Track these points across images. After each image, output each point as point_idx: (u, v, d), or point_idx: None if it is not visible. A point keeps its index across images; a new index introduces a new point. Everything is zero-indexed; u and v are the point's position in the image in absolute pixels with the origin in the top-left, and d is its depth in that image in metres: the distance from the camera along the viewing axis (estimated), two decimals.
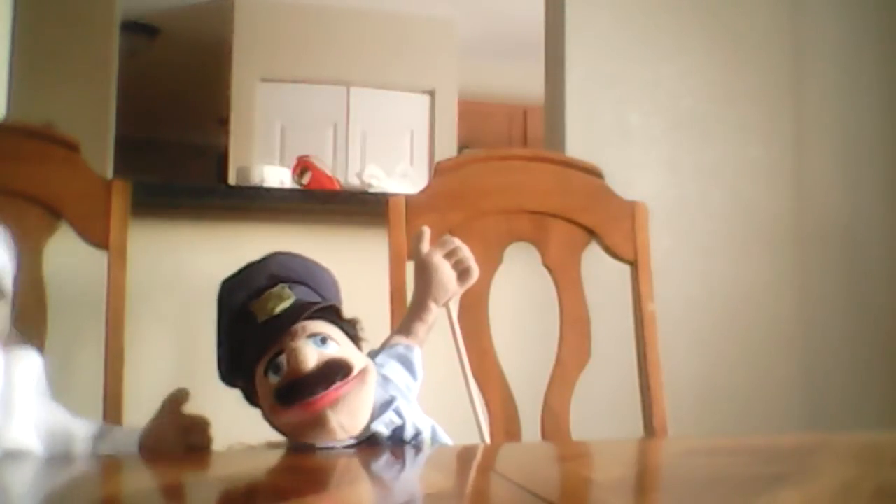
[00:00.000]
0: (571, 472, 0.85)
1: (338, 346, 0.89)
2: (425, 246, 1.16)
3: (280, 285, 0.92)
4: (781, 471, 0.78)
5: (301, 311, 0.89)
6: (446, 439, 1.00)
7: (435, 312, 1.13)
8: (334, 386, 0.85)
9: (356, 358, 0.90)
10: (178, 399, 0.92)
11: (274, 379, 0.86)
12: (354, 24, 4.53)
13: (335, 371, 0.86)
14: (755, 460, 0.85)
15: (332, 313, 0.92)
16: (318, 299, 0.94)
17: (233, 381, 0.93)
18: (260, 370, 0.88)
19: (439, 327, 1.16)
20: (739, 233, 2.15)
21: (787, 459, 0.86)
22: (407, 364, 1.06)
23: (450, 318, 1.17)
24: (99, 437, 0.95)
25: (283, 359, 0.86)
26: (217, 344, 0.94)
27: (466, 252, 1.15)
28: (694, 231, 2.12)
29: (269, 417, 0.89)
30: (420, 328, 1.12)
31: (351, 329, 0.94)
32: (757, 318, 2.13)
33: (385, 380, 1.00)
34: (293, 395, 0.85)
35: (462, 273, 1.15)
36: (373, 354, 1.07)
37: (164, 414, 0.92)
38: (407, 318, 1.13)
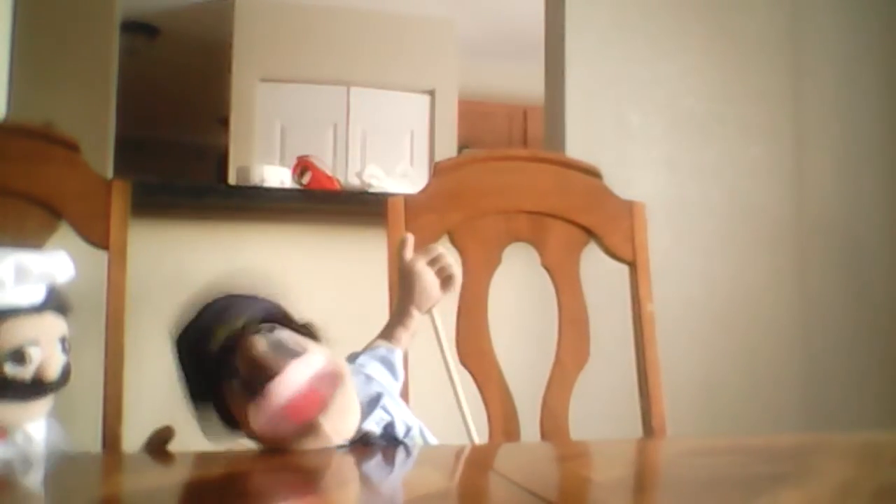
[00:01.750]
0: (571, 471, 0.85)
1: (289, 333, 0.88)
2: (408, 253, 1.17)
3: (231, 319, 0.89)
4: (781, 471, 0.78)
5: (251, 326, 0.88)
6: (433, 440, 1.00)
7: (418, 319, 1.14)
8: (293, 361, 0.84)
9: (313, 346, 0.89)
10: (164, 437, 0.91)
11: (236, 382, 0.85)
12: (354, 24, 4.53)
13: (287, 345, 0.86)
14: (755, 460, 0.85)
15: (284, 321, 0.91)
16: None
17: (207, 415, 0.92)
18: (227, 388, 0.87)
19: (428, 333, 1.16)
20: (739, 233, 2.15)
21: (787, 459, 0.86)
22: (388, 365, 1.07)
23: (434, 324, 1.18)
24: None
25: (236, 357, 0.85)
26: (192, 404, 0.92)
27: (450, 259, 1.15)
28: (694, 231, 2.12)
29: (253, 427, 0.87)
30: (403, 334, 1.12)
31: (307, 331, 0.92)
32: (757, 317, 2.14)
33: (368, 378, 1.00)
34: (258, 379, 0.83)
35: (445, 280, 1.15)
36: (354, 357, 1.07)
37: (151, 451, 0.92)
38: (390, 323, 1.14)
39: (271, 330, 0.88)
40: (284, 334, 0.88)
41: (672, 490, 0.74)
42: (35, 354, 0.88)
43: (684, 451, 0.96)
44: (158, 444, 0.92)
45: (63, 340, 0.92)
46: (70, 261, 0.94)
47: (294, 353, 0.86)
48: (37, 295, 0.91)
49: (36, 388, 0.89)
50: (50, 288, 0.93)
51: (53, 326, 0.91)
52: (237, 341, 0.87)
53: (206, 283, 0.96)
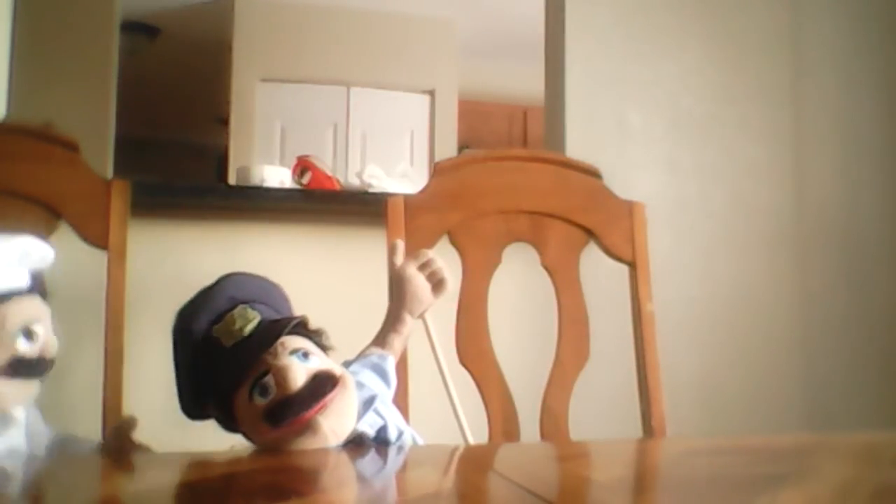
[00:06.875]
0: (570, 471, 0.85)
1: (318, 358, 0.88)
2: (399, 259, 1.17)
3: (241, 306, 0.90)
4: (781, 471, 0.78)
5: (272, 329, 0.87)
6: None
7: (410, 324, 1.14)
8: (324, 399, 0.85)
9: (335, 367, 0.90)
10: (125, 427, 0.92)
11: (261, 401, 0.85)
12: (354, 24, 4.53)
13: (324, 384, 0.86)
14: (755, 460, 0.85)
15: (299, 327, 0.91)
16: (278, 316, 0.92)
17: (200, 412, 0.92)
18: (242, 394, 0.86)
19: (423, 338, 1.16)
20: (739, 233, 2.15)
21: (787, 459, 0.86)
22: (380, 372, 1.06)
23: (426, 329, 1.18)
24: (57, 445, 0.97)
25: (269, 380, 0.84)
26: (177, 376, 0.92)
27: (440, 263, 1.16)
28: (694, 231, 2.12)
29: (256, 438, 0.88)
30: (395, 340, 1.12)
31: (319, 339, 0.93)
32: (757, 317, 2.13)
33: (360, 385, 1.00)
34: (285, 414, 0.83)
35: (436, 285, 1.15)
36: (347, 364, 1.07)
37: (114, 442, 0.92)
38: (382, 330, 1.14)
39: (306, 356, 0.87)
40: (317, 362, 0.87)
41: (672, 490, 0.74)
42: (41, 332, 0.90)
43: (684, 451, 0.96)
44: (123, 434, 0.93)
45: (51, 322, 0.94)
46: (49, 246, 0.96)
47: (327, 388, 0.85)
48: (25, 278, 0.92)
49: (41, 365, 0.91)
50: (33, 272, 0.94)
51: (45, 308, 0.94)
52: (265, 350, 0.86)
53: (205, 283, 0.96)
